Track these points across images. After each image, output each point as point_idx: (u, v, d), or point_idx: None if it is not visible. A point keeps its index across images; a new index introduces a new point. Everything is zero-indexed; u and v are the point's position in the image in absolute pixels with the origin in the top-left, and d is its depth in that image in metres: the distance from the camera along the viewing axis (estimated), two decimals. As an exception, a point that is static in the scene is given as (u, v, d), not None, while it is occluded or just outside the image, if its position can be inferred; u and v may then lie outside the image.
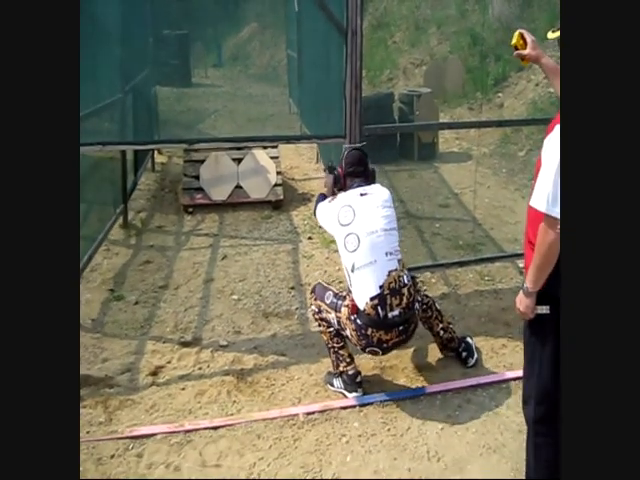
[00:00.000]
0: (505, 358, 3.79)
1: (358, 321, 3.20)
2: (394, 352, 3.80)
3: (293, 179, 7.62)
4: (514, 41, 2.69)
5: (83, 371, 3.51)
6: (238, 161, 6.69)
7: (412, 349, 3.83)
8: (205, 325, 4.20)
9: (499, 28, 10.92)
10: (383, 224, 3.29)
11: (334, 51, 4.60)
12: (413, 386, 3.52)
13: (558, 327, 2.29)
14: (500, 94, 10.11)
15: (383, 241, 3.25)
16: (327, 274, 4.95)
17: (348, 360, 3.42)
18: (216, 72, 18.35)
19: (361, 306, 3.19)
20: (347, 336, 3.35)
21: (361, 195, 3.38)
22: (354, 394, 3.38)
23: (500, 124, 6.85)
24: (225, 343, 3.97)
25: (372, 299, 3.16)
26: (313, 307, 3.51)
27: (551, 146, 2.17)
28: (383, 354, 3.40)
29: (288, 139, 5.29)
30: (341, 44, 3.99)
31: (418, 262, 4.95)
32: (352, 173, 3.51)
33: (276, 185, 6.61)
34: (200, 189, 6.53)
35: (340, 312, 3.30)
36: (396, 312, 3.19)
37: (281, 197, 6.57)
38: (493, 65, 10.53)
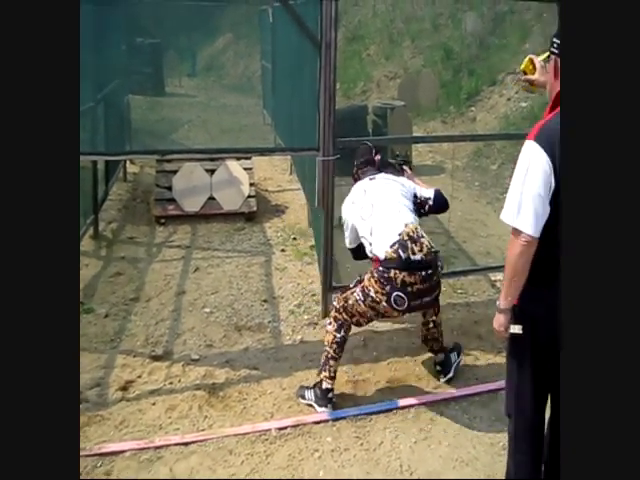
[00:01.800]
0: (478, 371, 3.80)
1: (380, 268, 3.18)
2: (367, 366, 3.80)
3: (267, 190, 7.60)
4: (523, 66, 2.64)
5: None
6: (211, 172, 6.65)
7: (385, 362, 3.83)
8: (176, 339, 4.15)
9: (472, 43, 11.09)
10: (396, 191, 3.50)
11: (308, 63, 4.60)
12: (386, 400, 3.50)
13: (535, 345, 2.31)
14: (473, 108, 10.24)
15: (398, 203, 3.41)
16: (300, 287, 4.92)
17: (331, 374, 3.39)
18: (190, 82, 18.30)
19: (382, 255, 3.19)
20: (370, 302, 3.21)
21: (370, 179, 3.62)
22: (323, 409, 3.36)
23: (473, 139, 6.90)
24: (197, 357, 3.92)
25: (392, 245, 3.18)
26: (335, 303, 3.45)
27: (519, 161, 2.20)
28: (409, 308, 3.19)
29: (262, 151, 5.28)
30: (315, 56, 3.99)
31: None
32: (363, 163, 3.78)
33: (249, 197, 6.58)
34: (172, 200, 6.48)
35: (363, 279, 3.30)
36: (418, 257, 3.17)
37: (254, 209, 6.54)
38: (466, 79, 10.67)
